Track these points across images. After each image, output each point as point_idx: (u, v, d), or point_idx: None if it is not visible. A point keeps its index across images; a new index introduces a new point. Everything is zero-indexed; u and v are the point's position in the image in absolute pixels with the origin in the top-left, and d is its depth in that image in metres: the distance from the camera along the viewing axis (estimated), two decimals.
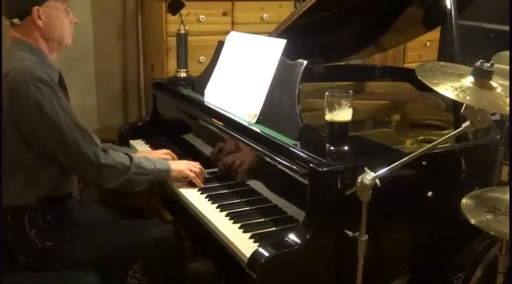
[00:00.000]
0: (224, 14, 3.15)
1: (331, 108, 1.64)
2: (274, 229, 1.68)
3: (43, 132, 1.72)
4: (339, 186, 1.52)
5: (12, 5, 1.79)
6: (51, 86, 1.71)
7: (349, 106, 1.64)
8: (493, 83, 1.44)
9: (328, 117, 1.65)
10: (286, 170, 1.66)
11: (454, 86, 1.42)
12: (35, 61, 1.75)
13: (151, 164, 1.90)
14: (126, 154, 1.89)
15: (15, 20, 1.79)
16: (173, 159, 2.17)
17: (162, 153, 2.18)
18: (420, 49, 3.77)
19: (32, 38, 1.80)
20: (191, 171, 1.97)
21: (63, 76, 1.93)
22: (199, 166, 2.01)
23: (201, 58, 3.03)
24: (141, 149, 2.40)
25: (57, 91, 1.73)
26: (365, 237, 1.45)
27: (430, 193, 1.67)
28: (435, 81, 1.45)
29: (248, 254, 1.50)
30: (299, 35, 2.22)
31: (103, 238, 1.85)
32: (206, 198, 1.91)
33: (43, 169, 1.77)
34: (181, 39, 2.64)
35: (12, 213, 1.75)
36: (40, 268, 1.76)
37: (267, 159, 1.76)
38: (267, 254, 1.45)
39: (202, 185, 1.97)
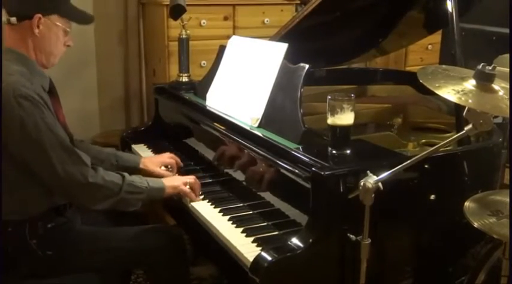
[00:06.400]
0: (225, 18, 3.16)
1: (333, 112, 1.64)
2: (276, 233, 1.69)
3: (26, 150, 1.64)
4: (342, 190, 1.52)
5: (17, 2, 1.72)
6: (35, 102, 1.62)
7: (351, 110, 1.64)
8: (495, 86, 1.43)
9: (330, 120, 1.65)
10: (289, 174, 1.66)
11: (456, 89, 1.42)
12: (22, 73, 1.66)
13: (144, 182, 1.82)
14: (117, 173, 1.79)
15: (13, 19, 1.69)
16: (177, 163, 2.17)
17: (167, 157, 2.18)
18: (422, 52, 3.78)
19: (24, 45, 1.72)
20: (185, 184, 1.91)
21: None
22: (194, 178, 1.96)
23: (203, 62, 3.03)
24: (144, 154, 2.38)
25: (42, 107, 1.64)
26: (368, 241, 1.45)
27: (432, 197, 1.67)
28: (437, 85, 1.45)
29: (251, 259, 1.50)
30: (301, 38, 2.22)
31: (105, 245, 1.83)
32: (209, 202, 1.91)
33: (38, 186, 1.71)
34: (183, 43, 2.65)
35: (12, 224, 1.72)
36: (42, 276, 1.74)
37: (269, 163, 1.76)
38: (269, 258, 1.45)
39: (198, 199, 1.92)
